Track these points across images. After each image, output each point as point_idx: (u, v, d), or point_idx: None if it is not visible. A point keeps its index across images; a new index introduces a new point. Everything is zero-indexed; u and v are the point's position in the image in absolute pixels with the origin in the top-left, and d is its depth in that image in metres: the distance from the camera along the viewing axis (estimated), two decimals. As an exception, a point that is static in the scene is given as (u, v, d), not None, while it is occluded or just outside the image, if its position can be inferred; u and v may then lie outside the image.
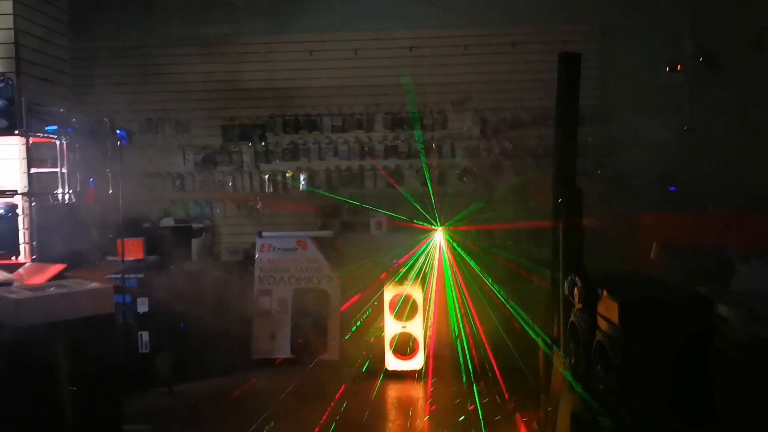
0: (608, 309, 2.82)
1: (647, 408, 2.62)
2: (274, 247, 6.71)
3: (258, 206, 8.54)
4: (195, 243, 8.05)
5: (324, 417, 5.08)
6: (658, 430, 2.64)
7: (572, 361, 3.32)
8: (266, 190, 8.46)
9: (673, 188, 7.64)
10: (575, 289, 3.21)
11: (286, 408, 5.34)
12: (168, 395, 5.73)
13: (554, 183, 3.94)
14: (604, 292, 2.85)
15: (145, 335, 5.80)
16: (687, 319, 2.64)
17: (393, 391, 5.76)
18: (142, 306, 5.81)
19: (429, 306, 6.17)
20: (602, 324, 2.89)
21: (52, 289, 3.11)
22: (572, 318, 3.32)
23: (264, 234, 6.80)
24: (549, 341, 3.86)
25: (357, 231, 7.73)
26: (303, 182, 8.40)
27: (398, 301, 6.06)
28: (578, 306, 3.19)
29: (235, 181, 8.53)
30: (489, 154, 8.31)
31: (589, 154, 8.05)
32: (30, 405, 2.84)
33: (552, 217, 3.93)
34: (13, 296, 2.93)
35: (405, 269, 6.19)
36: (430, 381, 5.88)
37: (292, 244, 6.69)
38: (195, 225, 8.19)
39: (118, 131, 5.71)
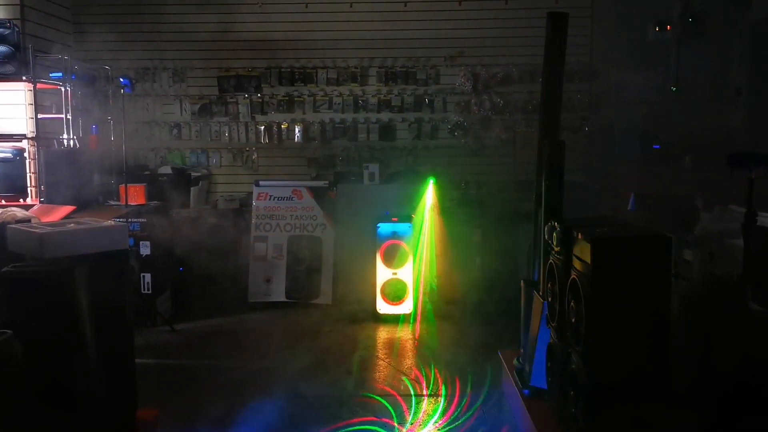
0: (582, 250, 3.11)
1: (613, 337, 2.93)
2: (270, 196, 6.95)
3: (253, 156, 8.72)
4: (193, 191, 8.26)
5: (314, 352, 5.43)
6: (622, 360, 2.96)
7: (549, 299, 3.62)
8: (262, 140, 8.62)
9: (657, 146, 7.89)
10: (554, 234, 3.49)
11: (278, 345, 5.66)
12: (170, 333, 6.03)
13: (540, 136, 4.18)
14: (579, 235, 3.14)
15: (147, 277, 6.07)
16: (649, 254, 2.94)
17: (382, 332, 6.09)
18: (145, 249, 6.06)
19: (419, 254, 6.46)
20: (577, 264, 3.18)
21: (71, 225, 3.34)
22: (551, 260, 3.61)
23: (261, 183, 7.03)
24: (530, 282, 4.16)
25: (350, 181, 7.96)
26: (298, 133, 8.58)
27: (389, 248, 6.34)
28: (556, 249, 3.47)
29: (231, 132, 8.67)
30: (480, 109, 8.49)
31: (577, 110, 8.29)
32: (55, 334, 3.07)
33: (536, 168, 4.19)
34: (37, 231, 3.16)
35: (396, 218, 6.44)
36: (418, 324, 6.21)
37: (288, 193, 6.94)
38: (193, 173, 8.40)
39: (121, 79, 5.86)
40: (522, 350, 4.24)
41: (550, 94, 4.22)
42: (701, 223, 3.80)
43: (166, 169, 8.36)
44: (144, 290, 6.08)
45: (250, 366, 5.18)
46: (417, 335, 5.99)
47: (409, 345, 5.76)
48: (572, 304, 3.19)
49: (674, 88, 8.22)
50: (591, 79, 8.31)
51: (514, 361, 4.33)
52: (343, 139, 8.54)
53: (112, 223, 3.73)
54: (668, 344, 2.92)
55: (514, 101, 8.44)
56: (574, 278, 3.19)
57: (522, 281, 4.31)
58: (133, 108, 8.55)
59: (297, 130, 8.55)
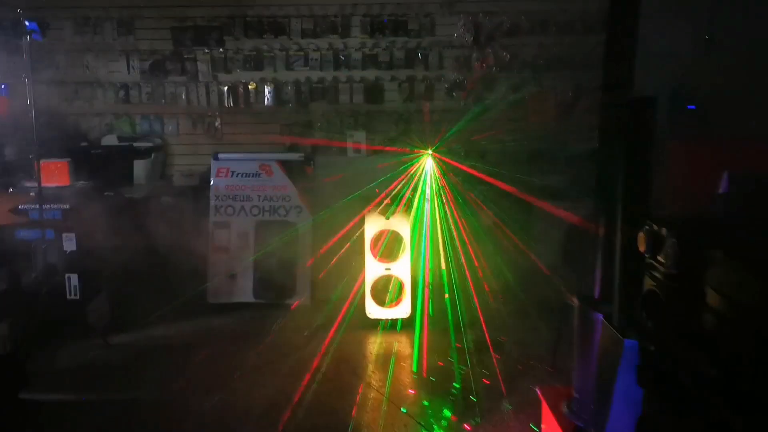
0: (733, 280, 1.86)
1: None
2: (232, 172, 5.66)
3: (216, 123, 7.41)
4: (143, 165, 6.96)
5: (283, 378, 4.20)
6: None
7: (642, 343, 2.37)
8: (226, 104, 7.31)
9: (692, 106, 6.66)
10: (662, 246, 2.22)
11: (239, 366, 4.41)
12: (103, 348, 4.76)
13: (604, 97, 2.91)
14: (720, 255, 1.89)
15: (73, 278, 4.78)
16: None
17: (373, 345, 4.86)
18: (69, 243, 4.76)
19: (419, 244, 5.22)
20: (715, 301, 1.92)
21: None
22: (649, 283, 2.35)
23: (220, 156, 5.72)
24: (590, 302, 2.92)
25: (332, 153, 6.66)
26: (268, 96, 7.25)
27: (381, 237, 5.10)
28: (666, 270, 2.20)
29: (189, 94, 7.34)
30: (482, 65, 7.20)
31: (593, 67, 6.99)
32: None
33: (599, 139, 2.93)
34: None
35: (389, 199, 5.18)
36: (416, 333, 4.99)
37: (255, 168, 5.64)
38: (142, 144, 7.09)
39: (26, 22, 4.47)
40: (577, 396, 3.03)
41: (616, 39, 2.95)
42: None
43: (112, 139, 7.07)
44: (70, 295, 4.79)
45: (197, 404, 3.92)
46: (419, 350, 4.76)
47: (409, 364, 4.52)
48: (705, 367, 1.94)
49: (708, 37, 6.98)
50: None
51: (563, 409, 3.11)
52: (322, 101, 7.23)
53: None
54: None
55: (524, 56, 7.13)
56: (716, 323, 1.93)
57: (574, 297, 3.07)
58: (71, 66, 7.22)
59: (267, 91, 7.25)
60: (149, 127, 7.42)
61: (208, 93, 7.33)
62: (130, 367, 4.48)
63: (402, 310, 5.12)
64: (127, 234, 5.19)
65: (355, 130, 6.28)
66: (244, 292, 5.55)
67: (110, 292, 5.15)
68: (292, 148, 7.10)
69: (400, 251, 5.08)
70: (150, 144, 7.13)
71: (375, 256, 5.10)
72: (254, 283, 5.55)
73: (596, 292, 2.95)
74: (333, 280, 5.48)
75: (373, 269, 5.12)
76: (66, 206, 4.78)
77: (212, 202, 5.65)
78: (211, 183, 5.68)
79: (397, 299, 5.11)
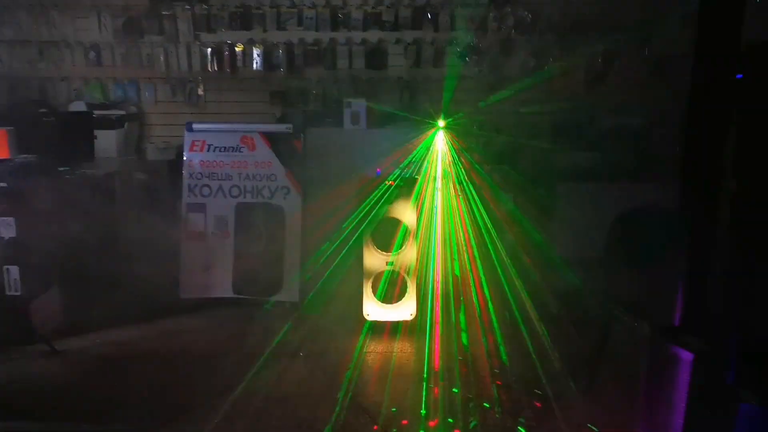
0: None
1: None
2: (209, 146, 4.83)
3: (199, 90, 6.58)
4: (114, 136, 6.16)
5: (261, 401, 3.41)
6: None
7: None
8: (209, 68, 6.48)
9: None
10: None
11: (209, 385, 3.61)
12: (48, 357, 3.97)
13: (700, 49, 2.09)
14: None
15: (13, 271, 3.98)
16: None
17: (372, 355, 4.05)
18: (7, 229, 3.95)
19: (426, 233, 4.40)
20: None
21: None
22: None
23: (195, 126, 4.89)
24: (670, 333, 2.12)
25: (326, 125, 5.83)
26: (257, 59, 6.41)
27: (383, 225, 4.30)
28: None
29: (168, 56, 6.52)
30: (500, 27, 6.33)
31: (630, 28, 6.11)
32: None
33: (689, 102, 2.10)
34: None
35: (392, 180, 4.36)
36: (426, 339, 4.19)
37: (235, 141, 4.81)
38: (113, 112, 6.28)
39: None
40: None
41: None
42: None
43: (80, 106, 6.25)
44: (9, 290, 4.00)
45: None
46: (425, 362, 3.96)
47: (418, 383, 3.71)
48: None
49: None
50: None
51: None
52: (318, 67, 6.38)
53: None
54: None
55: (548, 16, 6.25)
56: None
57: (645, 323, 2.27)
58: (34, 23, 6.40)
59: (256, 54, 6.41)
60: (123, 94, 6.61)
61: (189, 55, 6.51)
62: (77, 386, 3.68)
63: (406, 311, 4.32)
64: (85, 218, 4.39)
65: (354, 98, 5.40)
66: (223, 286, 4.76)
67: (65, 286, 4.35)
68: (284, 119, 6.30)
69: (405, 242, 4.27)
70: (122, 112, 6.31)
71: (375, 247, 4.29)
72: (234, 277, 4.75)
73: (676, 317, 2.15)
74: (325, 273, 4.69)
75: (372, 261, 4.31)
76: (2, 184, 3.97)
77: (186, 181, 4.82)
78: (185, 157, 4.85)
79: (400, 297, 4.31)
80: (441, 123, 4.82)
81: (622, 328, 2.74)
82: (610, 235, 3.45)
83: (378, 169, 4.47)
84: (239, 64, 6.48)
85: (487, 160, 4.93)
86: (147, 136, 6.59)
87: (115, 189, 5.06)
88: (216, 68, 6.48)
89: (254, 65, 6.44)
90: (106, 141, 6.11)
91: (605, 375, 3.36)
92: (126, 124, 6.29)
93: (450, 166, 4.71)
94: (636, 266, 3.08)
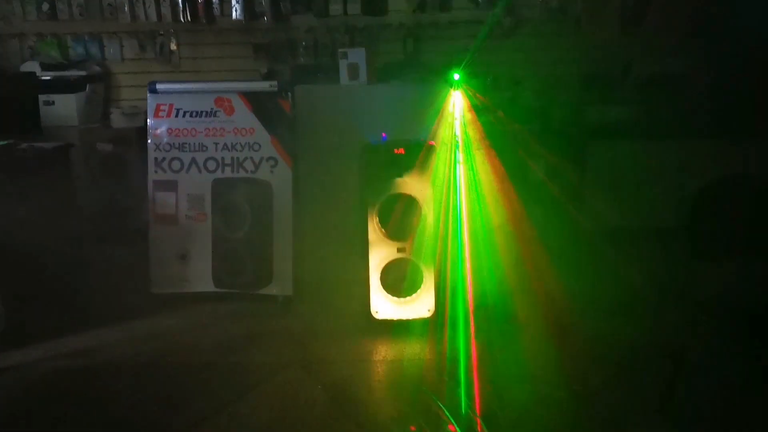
0: None
1: None
2: (177, 110, 4.00)
3: (172, 45, 5.73)
4: (74, 100, 5.35)
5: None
6: None
7: None
8: (181, 18, 5.61)
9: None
10: None
11: (185, 407, 2.88)
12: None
13: None
14: None
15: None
16: None
17: (382, 365, 3.30)
18: (-76, 224, 3.17)
19: (444, 213, 3.61)
20: None
21: None
22: None
23: (159, 87, 4.05)
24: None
25: (319, 82, 5.00)
26: (236, 6, 5.54)
27: (390, 203, 3.53)
28: None
29: (134, 5, 5.63)
30: (518, -39, 5.47)
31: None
32: None
33: None
34: None
35: (401, 148, 3.57)
36: (447, 341, 3.44)
37: (210, 103, 3.98)
38: (73, 72, 5.46)
39: None
40: None
41: None
42: None
43: (34, 66, 5.40)
44: (-66, 298, 3.23)
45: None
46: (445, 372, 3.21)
47: (444, 402, 2.96)
48: None
49: None
50: None
51: None
52: (308, 14, 5.51)
53: None
54: None
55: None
56: None
57: None
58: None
59: (235, 0, 5.50)
60: (84, 51, 5.76)
61: (158, 3, 5.61)
62: (18, 411, 2.94)
63: (422, 308, 3.57)
64: (32, 202, 3.62)
65: (351, 48, 4.54)
66: (201, 278, 3.98)
67: (8, 286, 3.59)
68: (270, 75, 5.48)
69: (419, 225, 3.49)
70: (83, 73, 5.47)
71: (383, 231, 3.52)
72: (214, 267, 3.98)
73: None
74: (324, 263, 3.93)
75: (380, 249, 3.55)
76: None
77: (152, 154, 4.01)
78: (149, 124, 4.03)
79: (414, 291, 3.56)
80: (456, 76, 3.99)
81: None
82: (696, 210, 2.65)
83: (384, 134, 3.68)
84: (216, 12, 5.62)
85: (515, 120, 4.11)
86: (113, 99, 5.76)
87: (70, 164, 4.25)
88: (189, 18, 5.61)
89: (234, 14, 5.57)
90: (66, 107, 5.31)
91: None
92: (88, 87, 5.45)
93: (468, 128, 3.90)
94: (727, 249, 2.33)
